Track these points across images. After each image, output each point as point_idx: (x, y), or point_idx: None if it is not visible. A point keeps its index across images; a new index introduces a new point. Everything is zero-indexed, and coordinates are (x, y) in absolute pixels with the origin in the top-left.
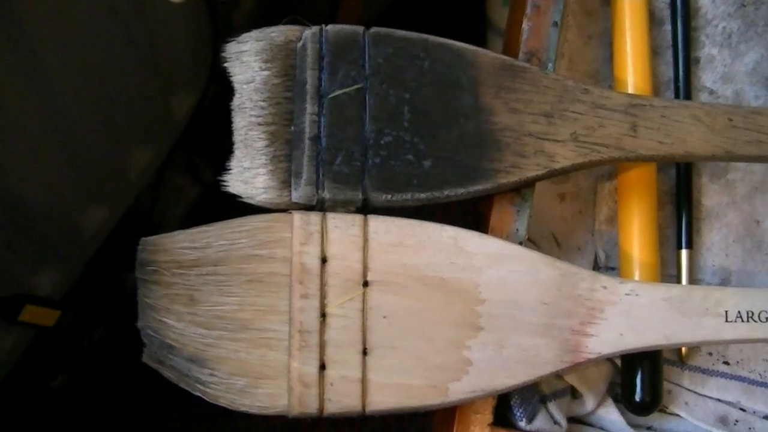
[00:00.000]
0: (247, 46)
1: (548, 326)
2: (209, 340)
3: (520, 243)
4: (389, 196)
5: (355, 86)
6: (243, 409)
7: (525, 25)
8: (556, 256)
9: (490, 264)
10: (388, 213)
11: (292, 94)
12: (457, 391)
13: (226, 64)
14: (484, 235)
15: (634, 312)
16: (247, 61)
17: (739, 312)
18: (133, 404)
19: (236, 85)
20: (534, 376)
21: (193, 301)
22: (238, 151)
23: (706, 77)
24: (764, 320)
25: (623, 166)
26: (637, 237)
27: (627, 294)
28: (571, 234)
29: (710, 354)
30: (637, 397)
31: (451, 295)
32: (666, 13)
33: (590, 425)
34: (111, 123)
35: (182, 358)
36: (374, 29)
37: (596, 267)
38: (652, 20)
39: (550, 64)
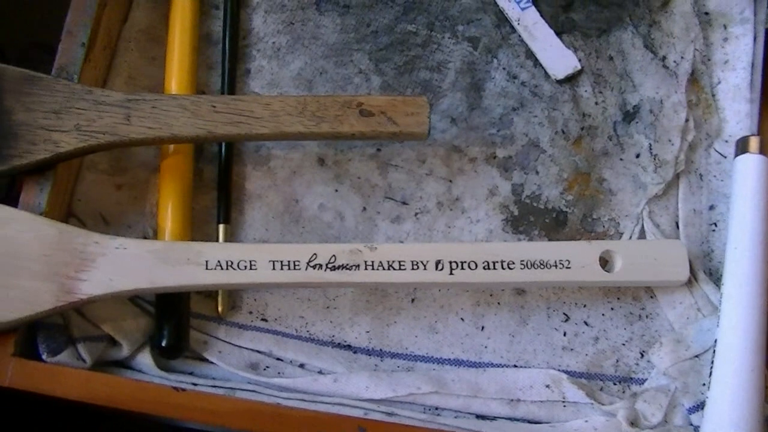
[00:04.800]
0: None
1: (48, 273)
2: None
3: (41, 213)
4: None
5: None
6: None
7: (60, 46)
8: (102, 230)
9: None
10: None
11: None
12: None
13: None
14: None
15: (122, 262)
16: None
17: (218, 261)
18: None
19: None
20: (35, 312)
21: None
22: None
23: (255, 84)
24: (243, 268)
25: (163, 156)
26: (169, 213)
27: (116, 247)
28: (124, 215)
29: (250, 312)
30: (163, 343)
31: None
32: (221, 34)
33: (130, 368)
34: None
35: None
36: None
37: None
38: (209, 41)
39: (75, 76)
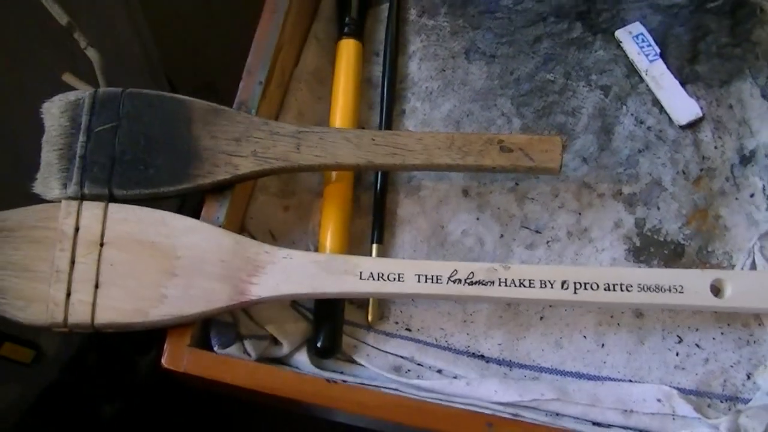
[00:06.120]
0: (54, 104)
1: (224, 276)
2: (3, 277)
3: (220, 226)
4: (125, 192)
5: (111, 124)
6: (19, 319)
7: (241, 84)
8: (270, 244)
9: (185, 234)
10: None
11: (74, 130)
12: (155, 314)
13: (42, 116)
14: (184, 216)
15: (288, 270)
16: (53, 112)
17: (371, 273)
18: None
19: (46, 128)
20: (212, 308)
21: None
22: (42, 168)
23: (409, 123)
24: (392, 279)
25: (326, 183)
26: (330, 233)
27: (284, 257)
28: (290, 233)
29: (397, 322)
30: (319, 344)
31: (157, 252)
32: (381, 78)
33: (287, 365)
34: None
35: None
36: (129, 90)
37: None
38: (370, 84)
39: (253, 110)
